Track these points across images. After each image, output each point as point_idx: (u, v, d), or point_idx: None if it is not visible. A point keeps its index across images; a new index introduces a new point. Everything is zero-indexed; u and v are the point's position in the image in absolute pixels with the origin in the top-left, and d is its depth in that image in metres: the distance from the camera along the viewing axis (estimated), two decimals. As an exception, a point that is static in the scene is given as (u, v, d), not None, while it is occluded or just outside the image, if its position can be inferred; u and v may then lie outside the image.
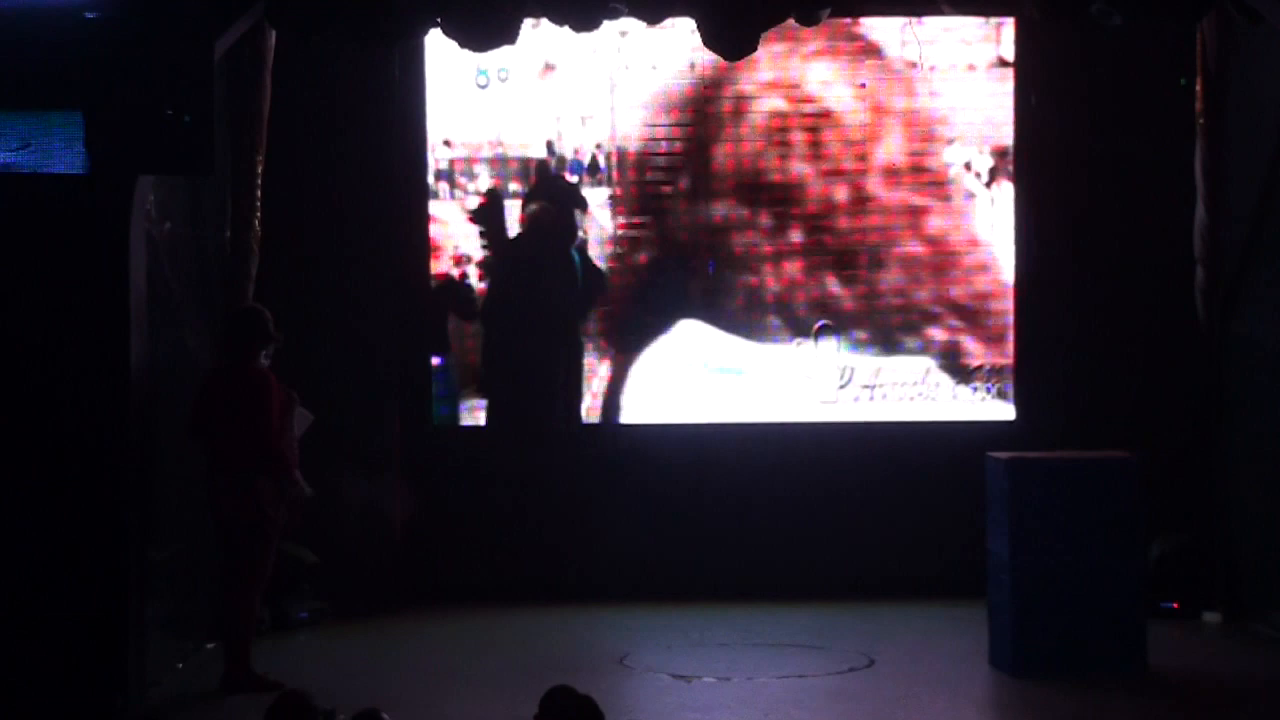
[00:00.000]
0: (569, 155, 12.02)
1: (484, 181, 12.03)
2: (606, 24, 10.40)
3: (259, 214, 10.86)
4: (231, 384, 9.38)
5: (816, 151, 12.09)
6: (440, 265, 12.06)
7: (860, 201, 12.10)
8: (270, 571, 9.55)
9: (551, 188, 12.04)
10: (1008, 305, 12.10)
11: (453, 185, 12.04)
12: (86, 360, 8.73)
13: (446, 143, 12.03)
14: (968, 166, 12.10)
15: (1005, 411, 12.12)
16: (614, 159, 12.06)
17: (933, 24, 12.01)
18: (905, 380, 12.09)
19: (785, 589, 11.68)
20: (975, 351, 12.13)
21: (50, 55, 8.52)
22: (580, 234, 12.06)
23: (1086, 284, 12.00)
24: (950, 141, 12.10)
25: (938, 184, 12.09)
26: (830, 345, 11.95)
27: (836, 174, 12.09)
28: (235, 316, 9.81)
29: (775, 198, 12.12)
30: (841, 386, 11.93)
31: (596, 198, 12.05)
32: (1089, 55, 11.80)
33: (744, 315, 12.11)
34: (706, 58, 11.48)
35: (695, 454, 11.99)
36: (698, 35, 10.32)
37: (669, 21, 10.93)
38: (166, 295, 9.78)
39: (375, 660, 10.20)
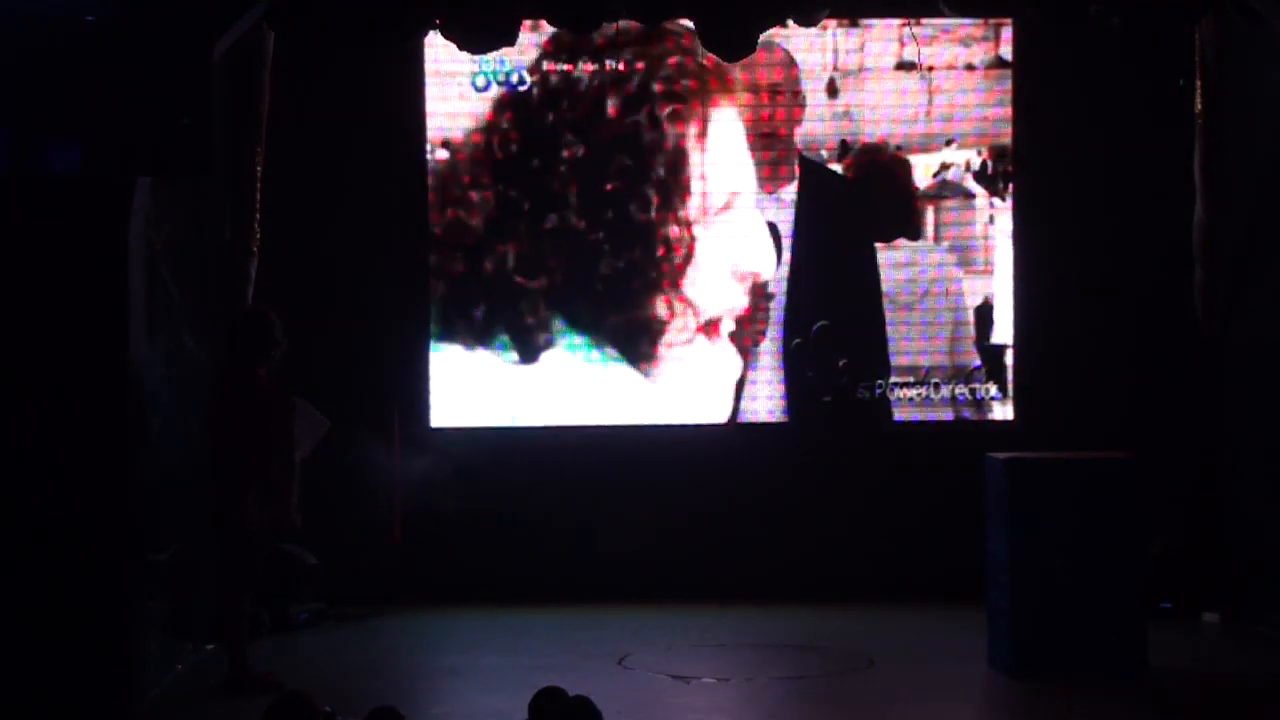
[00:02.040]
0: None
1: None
2: (605, 25, 10.44)
3: (258, 215, 10.87)
4: (232, 391, 9.36)
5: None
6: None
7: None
8: (256, 574, 9.53)
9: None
10: (1007, 307, 12.11)
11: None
12: (85, 361, 8.73)
13: (445, 144, 12.03)
14: (967, 167, 12.11)
15: (1005, 412, 12.13)
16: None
17: (932, 24, 12.01)
18: (905, 380, 12.10)
19: (785, 589, 11.68)
20: (975, 354, 12.16)
21: (50, 57, 8.54)
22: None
23: (1085, 284, 12.00)
24: (949, 142, 12.11)
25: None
26: (828, 345, 11.93)
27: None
28: (240, 318, 9.80)
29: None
30: (840, 385, 11.91)
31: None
32: (1088, 56, 11.80)
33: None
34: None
35: (694, 454, 12.00)
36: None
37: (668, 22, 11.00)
38: (165, 296, 9.77)
39: (375, 660, 10.20)
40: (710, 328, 12.08)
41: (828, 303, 11.97)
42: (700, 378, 12.07)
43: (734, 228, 12.08)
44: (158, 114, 8.55)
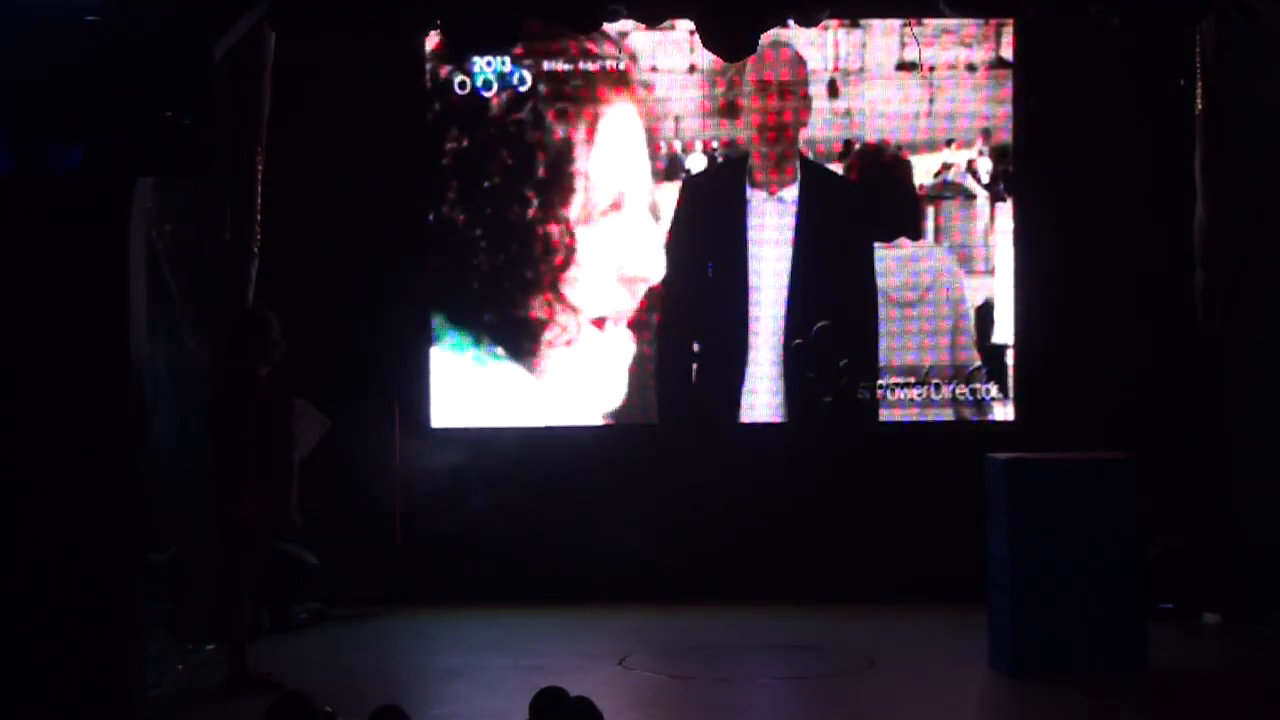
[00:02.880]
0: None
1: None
2: (606, 25, 10.44)
3: (259, 215, 10.87)
4: (232, 391, 9.37)
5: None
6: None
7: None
8: (256, 574, 9.53)
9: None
10: (1008, 307, 12.11)
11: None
12: (86, 361, 8.73)
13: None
14: (968, 167, 12.10)
15: (1005, 412, 12.13)
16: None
17: (933, 25, 12.01)
18: (905, 380, 12.09)
19: (785, 590, 11.68)
20: (976, 354, 12.16)
21: (52, 58, 8.54)
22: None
23: (1086, 285, 12.00)
24: (950, 142, 12.11)
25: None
26: (829, 345, 11.94)
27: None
28: (240, 318, 9.82)
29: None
30: (841, 386, 11.92)
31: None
32: (1089, 56, 11.80)
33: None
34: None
35: (695, 455, 12.00)
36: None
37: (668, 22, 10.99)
38: (166, 296, 9.79)
39: (375, 660, 10.21)
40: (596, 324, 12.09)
41: (828, 303, 11.97)
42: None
43: (621, 229, 12.06)
44: (158, 114, 8.54)
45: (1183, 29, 11.15)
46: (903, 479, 11.93)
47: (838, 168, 12.12)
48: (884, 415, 12.09)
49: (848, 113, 12.11)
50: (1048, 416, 11.81)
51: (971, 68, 12.12)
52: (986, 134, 12.10)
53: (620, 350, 12.08)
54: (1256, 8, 10.13)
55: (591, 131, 12.06)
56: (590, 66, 12.03)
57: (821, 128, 12.11)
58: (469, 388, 12.04)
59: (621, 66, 12.01)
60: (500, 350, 12.02)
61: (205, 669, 9.80)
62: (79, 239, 8.74)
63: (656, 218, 12.07)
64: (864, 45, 12.08)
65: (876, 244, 12.14)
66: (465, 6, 10.03)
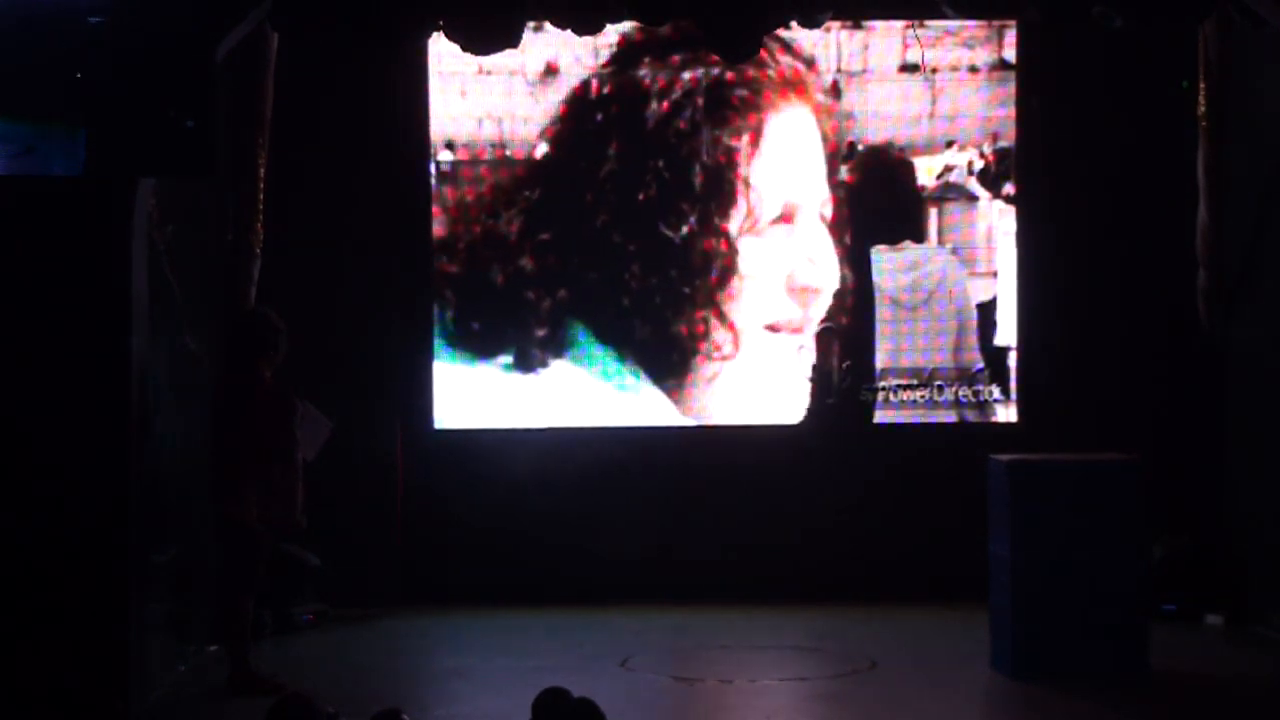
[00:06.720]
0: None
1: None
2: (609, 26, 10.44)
3: (261, 216, 10.88)
4: (234, 392, 9.37)
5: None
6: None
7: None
8: (259, 575, 9.52)
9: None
10: (1010, 308, 12.10)
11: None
12: (88, 362, 8.74)
13: (448, 145, 12.03)
14: (969, 168, 12.10)
15: (1008, 414, 12.12)
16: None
17: (935, 26, 12.00)
18: (907, 381, 12.09)
19: (787, 591, 11.68)
20: (978, 355, 12.15)
21: (54, 59, 8.55)
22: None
23: (1088, 286, 11.99)
24: (951, 144, 12.10)
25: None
26: (831, 346, 11.94)
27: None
28: (242, 319, 9.81)
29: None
30: (843, 387, 11.92)
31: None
32: (1091, 57, 11.79)
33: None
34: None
35: (696, 456, 11.99)
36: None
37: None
38: (168, 298, 9.78)
39: (378, 661, 10.21)
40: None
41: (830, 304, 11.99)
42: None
43: (791, 239, 12.02)
44: (161, 115, 8.55)
45: (1185, 30, 11.15)
46: (905, 481, 11.93)
47: (841, 169, 12.11)
48: (887, 417, 12.08)
49: (850, 114, 12.10)
50: (1050, 418, 11.79)
51: (974, 69, 12.11)
52: (990, 136, 12.10)
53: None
54: (1259, 10, 10.13)
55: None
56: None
57: (823, 129, 12.11)
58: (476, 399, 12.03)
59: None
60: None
61: (207, 670, 9.80)
62: (81, 239, 8.75)
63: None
64: (866, 47, 12.07)
65: (880, 246, 12.13)
66: (467, 8, 10.03)
